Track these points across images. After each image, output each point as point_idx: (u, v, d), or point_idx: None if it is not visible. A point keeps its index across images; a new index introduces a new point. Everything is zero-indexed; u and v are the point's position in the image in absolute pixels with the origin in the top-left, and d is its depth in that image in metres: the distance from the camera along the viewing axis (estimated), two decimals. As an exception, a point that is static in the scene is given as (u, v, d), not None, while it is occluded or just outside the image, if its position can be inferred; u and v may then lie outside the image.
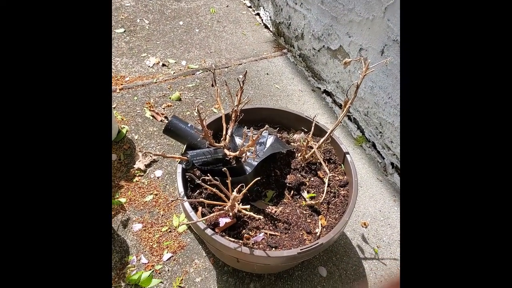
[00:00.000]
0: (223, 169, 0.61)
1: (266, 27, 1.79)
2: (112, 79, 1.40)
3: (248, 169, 0.75)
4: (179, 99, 1.35)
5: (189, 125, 0.77)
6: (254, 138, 0.66)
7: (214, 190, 0.66)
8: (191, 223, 0.66)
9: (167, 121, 0.75)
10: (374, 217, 1.08)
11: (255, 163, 0.77)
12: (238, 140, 0.86)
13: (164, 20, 1.74)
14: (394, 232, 1.05)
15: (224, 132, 0.80)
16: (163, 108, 1.30)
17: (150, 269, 0.89)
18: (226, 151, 0.76)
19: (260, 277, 0.91)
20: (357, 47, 1.16)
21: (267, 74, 1.51)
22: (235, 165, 0.73)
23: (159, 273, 0.90)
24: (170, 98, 1.35)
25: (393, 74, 1.05)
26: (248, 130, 0.73)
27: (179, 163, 0.74)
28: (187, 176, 0.76)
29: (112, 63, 1.48)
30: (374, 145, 1.23)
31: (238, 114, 0.80)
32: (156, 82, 1.40)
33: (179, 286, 0.88)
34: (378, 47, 1.08)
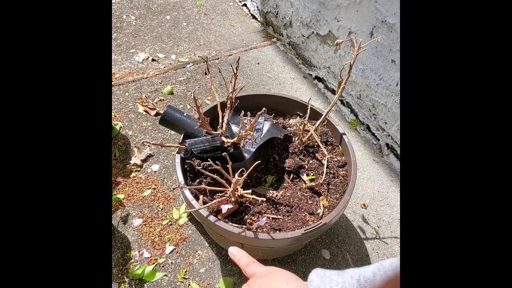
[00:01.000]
0: (223, 154, 0.61)
1: (254, 17, 1.78)
2: (101, 76, 1.38)
3: (247, 155, 0.75)
4: (171, 93, 1.33)
5: (184, 114, 0.76)
6: (251, 123, 0.66)
7: (215, 176, 0.66)
8: (193, 211, 0.66)
9: (161, 113, 0.74)
10: (373, 198, 1.09)
11: (253, 149, 0.77)
12: (234, 128, 0.86)
13: (150, 15, 1.71)
14: (394, 211, 1.06)
15: (220, 120, 0.79)
16: (156, 103, 1.28)
17: (153, 263, 0.89)
18: (223, 138, 0.75)
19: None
20: (346, 31, 1.16)
21: (258, 63, 1.51)
22: (232, 151, 0.72)
23: (163, 266, 0.89)
24: (162, 92, 1.33)
25: (383, 56, 1.05)
26: (245, 117, 0.73)
27: (177, 152, 0.74)
28: (186, 166, 0.75)
29: (100, 61, 1.45)
30: (368, 128, 1.24)
31: (234, 101, 0.79)
32: (146, 77, 1.39)
33: (184, 278, 0.87)
34: (367, 29, 1.08)
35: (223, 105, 0.82)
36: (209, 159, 0.65)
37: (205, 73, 0.72)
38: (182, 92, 1.34)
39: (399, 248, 0.96)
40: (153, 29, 1.64)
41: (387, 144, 1.17)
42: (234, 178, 0.61)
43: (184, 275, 0.88)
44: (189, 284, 0.86)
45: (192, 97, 0.61)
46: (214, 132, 0.75)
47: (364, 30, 1.09)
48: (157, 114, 1.25)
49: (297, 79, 1.45)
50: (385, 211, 1.06)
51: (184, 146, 0.70)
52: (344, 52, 1.23)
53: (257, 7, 1.71)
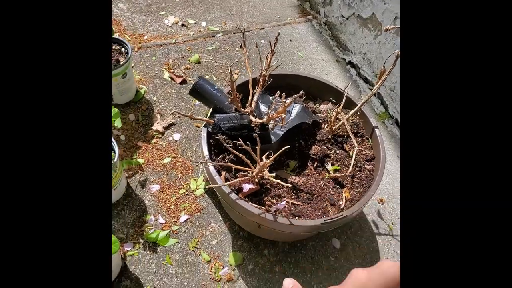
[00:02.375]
0: (253, 135, 0.59)
1: (291, -10, 1.69)
2: (130, 37, 1.36)
3: (273, 138, 0.73)
4: (198, 62, 1.31)
5: (215, 87, 0.74)
6: (285, 104, 0.64)
7: (241, 155, 0.64)
8: (216, 186, 0.65)
9: (191, 83, 0.72)
10: (392, 194, 1.07)
11: (281, 132, 0.75)
12: (262, 107, 0.83)
13: (184, -23, 1.65)
14: (410, 210, 1.04)
15: (250, 98, 0.77)
16: (182, 71, 1.26)
17: (167, 229, 0.91)
18: (251, 117, 0.74)
19: (274, 244, 0.92)
20: (392, 15, 1.09)
21: (290, 40, 1.45)
22: (260, 132, 0.71)
23: (176, 233, 0.91)
24: (189, 60, 1.30)
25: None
26: (273, 97, 0.70)
27: (205, 126, 0.72)
28: (211, 140, 0.74)
29: (130, 20, 1.42)
30: (397, 122, 1.19)
31: (266, 79, 0.76)
32: (175, 43, 1.35)
33: (195, 247, 0.89)
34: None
35: (254, 82, 0.79)
36: (235, 137, 0.63)
37: (241, 46, 0.69)
38: (210, 63, 1.31)
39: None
40: (185, -8, 1.58)
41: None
42: (262, 161, 0.60)
43: (195, 244, 0.90)
44: (199, 254, 0.88)
45: (228, 71, 0.59)
46: (243, 109, 0.73)
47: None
48: (182, 82, 1.23)
49: (329, 62, 1.39)
50: (402, 209, 1.04)
51: (212, 121, 0.69)
52: (385, 39, 1.16)
53: (296, -21, 1.62)
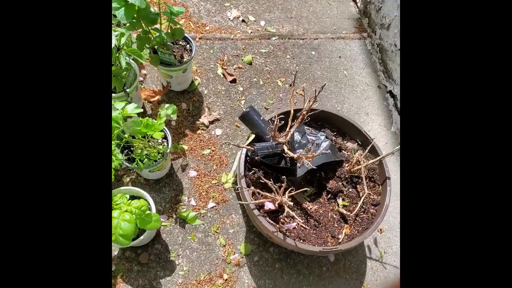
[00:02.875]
0: (281, 178, 0.74)
1: (354, 0, 1.70)
2: (194, 25, 1.47)
3: (300, 171, 0.88)
4: (250, 63, 1.42)
5: (261, 118, 0.87)
6: (315, 155, 0.77)
7: (270, 184, 0.80)
8: (245, 203, 0.82)
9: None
10: (391, 226, 1.20)
11: (307, 167, 0.89)
12: (296, 136, 0.97)
13: (254, -32, 1.69)
14: (404, 244, 1.17)
15: (288, 129, 0.90)
16: (234, 69, 1.38)
17: (196, 211, 1.11)
18: (285, 147, 0.87)
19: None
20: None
21: (340, 57, 1.51)
22: (289, 166, 0.85)
23: (203, 216, 1.11)
24: (242, 59, 1.42)
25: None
26: (308, 128, 0.83)
27: (246, 148, 0.87)
28: (247, 158, 0.89)
29: (197, 7, 1.53)
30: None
31: (305, 118, 0.89)
32: (232, 39, 1.46)
33: (216, 232, 1.09)
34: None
35: (294, 116, 0.92)
36: (267, 166, 0.78)
37: (290, 85, 0.81)
38: (260, 66, 1.42)
39: (395, 277, 1.10)
40: (252, -15, 1.64)
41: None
42: (284, 199, 0.75)
43: (216, 229, 1.09)
44: (218, 238, 1.08)
45: (276, 123, 0.72)
46: (279, 140, 0.87)
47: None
48: (232, 81, 1.36)
49: (371, 87, 1.46)
50: (396, 241, 1.17)
51: (252, 148, 0.83)
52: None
53: (362, -8, 1.63)
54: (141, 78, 1.30)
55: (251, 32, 1.50)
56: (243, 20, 1.53)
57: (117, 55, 0.91)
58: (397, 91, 1.39)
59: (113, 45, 0.85)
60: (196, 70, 1.36)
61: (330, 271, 1.09)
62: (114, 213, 0.82)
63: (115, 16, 0.92)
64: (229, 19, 1.52)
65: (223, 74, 1.37)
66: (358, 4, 1.67)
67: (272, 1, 1.62)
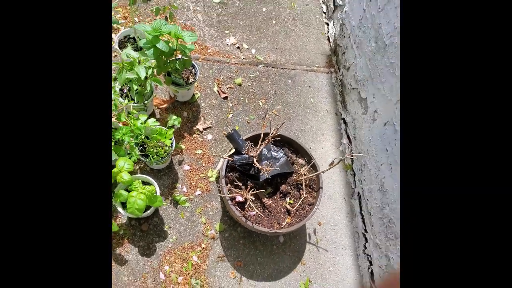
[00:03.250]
0: (248, 181, 1.14)
1: (328, 39, 2.10)
2: (199, 47, 1.84)
3: (262, 177, 1.29)
4: (240, 85, 1.80)
5: (241, 138, 1.27)
6: (270, 168, 1.18)
7: (240, 184, 1.21)
8: (223, 195, 1.23)
9: (227, 132, 1.24)
10: (328, 221, 1.64)
11: (266, 176, 1.30)
12: (264, 151, 1.37)
13: (251, 2, 2.05)
14: (336, 236, 1.62)
15: (257, 147, 1.31)
16: (227, 88, 1.76)
17: (186, 196, 1.51)
18: (255, 160, 1.28)
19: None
20: (373, 108, 1.56)
21: (309, 87, 1.92)
22: (255, 173, 1.26)
23: (191, 200, 1.51)
24: (234, 81, 1.80)
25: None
26: (273, 146, 1.23)
27: (227, 157, 1.27)
28: (228, 163, 1.30)
29: (202, 31, 1.89)
30: (354, 175, 1.72)
31: (270, 141, 1.30)
32: (228, 63, 1.84)
33: (199, 213, 1.50)
34: (387, 119, 1.48)
35: (264, 138, 1.32)
36: (241, 172, 1.19)
37: (263, 118, 1.21)
38: (247, 88, 1.81)
39: (329, 256, 1.55)
40: (249, 16, 2.00)
41: (358, 193, 1.67)
42: (248, 195, 1.16)
43: (200, 211, 1.50)
44: (200, 217, 1.49)
45: (247, 144, 1.12)
46: (251, 154, 1.28)
47: (385, 118, 1.49)
48: (225, 98, 1.74)
49: (330, 113, 1.88)
50: (329, 233, 1.62)
51: (231, 159, 1.24)
52: (366, 122, 1.64)
53: (334, 34, 2.03)
54: (152, 89, 1.67)
55: (243, 58, 1.88)
56: (238, 47, 1.90)
57: (144, 81, 1.28)
58: (348, 119, 1.82)
59: (142, 76, 1.22)
60: (197, 86, 1.74)
61: (279, 249, 1.52)
62: (133, 194, 1.21)
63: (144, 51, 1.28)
64: (227, 44, 1.89)
65: (218, 91, 1.75)
66: (331, 43, 2.07)
67: (263, 33, 1.99)
